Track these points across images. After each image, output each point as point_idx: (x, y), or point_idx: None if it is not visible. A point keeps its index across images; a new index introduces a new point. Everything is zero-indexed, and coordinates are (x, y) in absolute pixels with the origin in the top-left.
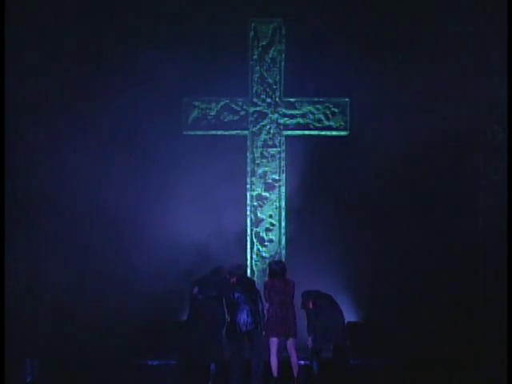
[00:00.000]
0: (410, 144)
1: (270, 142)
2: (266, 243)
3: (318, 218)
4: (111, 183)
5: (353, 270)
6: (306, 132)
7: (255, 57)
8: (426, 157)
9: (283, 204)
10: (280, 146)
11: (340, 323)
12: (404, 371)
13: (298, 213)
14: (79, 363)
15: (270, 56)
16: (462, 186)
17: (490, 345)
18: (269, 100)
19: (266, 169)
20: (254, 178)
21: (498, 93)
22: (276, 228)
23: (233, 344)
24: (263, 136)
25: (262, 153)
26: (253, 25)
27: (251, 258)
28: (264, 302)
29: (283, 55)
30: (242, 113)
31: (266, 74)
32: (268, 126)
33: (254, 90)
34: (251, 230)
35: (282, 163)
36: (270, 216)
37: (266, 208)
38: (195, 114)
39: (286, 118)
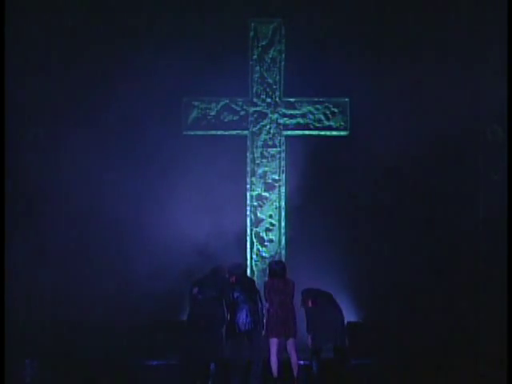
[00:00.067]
0: (409, 144)
1: (270, 142)
2: (265, 243)
3: (317, 218)
4: (111, 183)
5: (353, 270)
6: (306, 132)
7: (255, 57)
8: (426, 157)
9: (283, 204)
10: (280, 146)
11: (339, 322)
12: (404, 371)
13: (297, 213)
14: (79, 363)
15: (270, 56)
16: (462, 186)
17: (490, 345)
18: (269, 100)
19: (266, 169)
20: (254, 178)
21: (498, 93)
22: (276, 228)
23: (232, 344)
24: (263, 136)
25: (262, 153)
26: (253, 25)
27: (251, 257)
28: (264, 301)
29: (283, 55)
30: (242, 113)
31: (266, 74)
32: (268, 126)
33: (254, 90)
34: (251, 230)
35: (282, 163)
36: (270, 216)
37: (265, 208)
38: (195, 114)
39: (285, 118)
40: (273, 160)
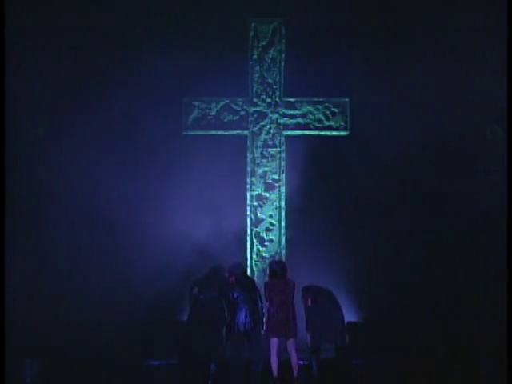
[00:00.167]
0: (409, 144)
1: (270, 142)
2: (266, 243)
3: (318, 218)
4: (111, 183)
5: (353, 270)
6: (306, 132)
7: (255, 57)
8: (426, 157)
9: (283, 204)
10: (280, 146)
11: (339, 321)
12: (404, 371)
13: (298, 213)
14: (79, 363)
15: (270, 56)
16: (462, 186)
17: (490, 345)
18: (269, 100)
19: (266, 169)
20: (254, 178)
21: (498, 93)
22: (276, 228)
23: (232, 344)
24: (263, 136)
25: (262, 153)
26: (253, 25)
27: (251, 258)
28: (264, 300)
29: (283, 55)
30: (242, 113)
31: (266, 74)
32: (268, 126)
33: (254, 90)
34: (251, 230)
35: (282, 163)
36: (270, 216)
37: (265, 208)
38: (195, 114)
39: (285, 118)
40: (273, 160)
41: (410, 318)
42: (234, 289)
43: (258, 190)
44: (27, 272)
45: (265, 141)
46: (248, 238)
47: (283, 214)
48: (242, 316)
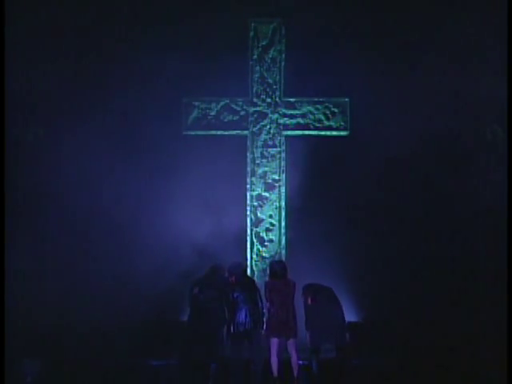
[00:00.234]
0: (409, 144)
1: (270, 142)
2: (266, 243)
3: (318, 218)
4: (111, 183)
5: (353, 270)
6: (306, 132)
7: (255, 57)
8: (426, 157)
9: (283, 204)
10: (280, 146)
11: (339, 321)
12: (404, 371)
13: (298, 213)
14: (79, 363)
15: (270, 56)
16: (462, 186)
17: (490, 345)
18: (269, 100)
19: (266, 169)
20: (254, 178)
21: (498, 93)
22: (276, 228)
23: (233, 344)
24: (263, 136)
25: (262, 153)
26: (253, 25)
27: (251, 258)
28: (264, 301)
29: (283, 55)
30: (242, 113)
31: (266, 74)
32: (268, 126)
33: (254, 90)
34: (251, 230)
35: (282, 163)
36: (270, 216)
37: (265, 208)
38: (195, 114)
39: (285, 118)
40: (273, 160)
41: (410, 318)
42: (234, 289)
43: (258, 190)
44: (27, 272)
45: (265, 141)
46: (248, 238)
47: (283, 214)
48: (241, 316)
